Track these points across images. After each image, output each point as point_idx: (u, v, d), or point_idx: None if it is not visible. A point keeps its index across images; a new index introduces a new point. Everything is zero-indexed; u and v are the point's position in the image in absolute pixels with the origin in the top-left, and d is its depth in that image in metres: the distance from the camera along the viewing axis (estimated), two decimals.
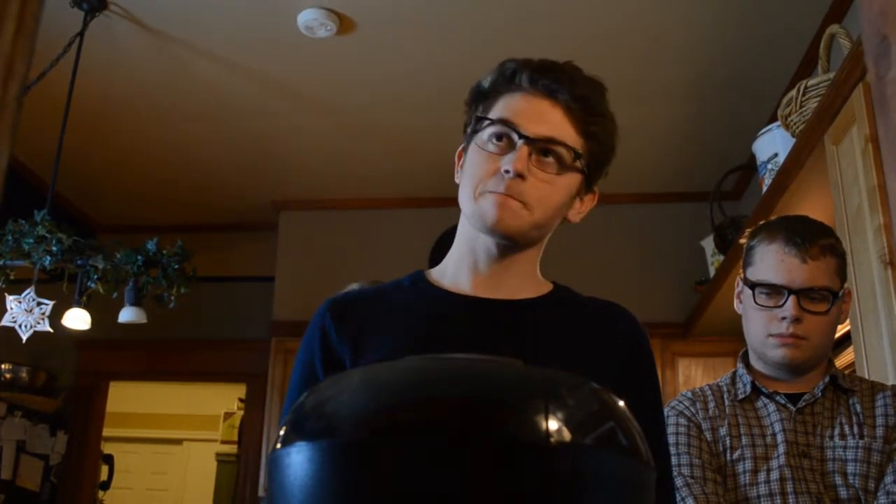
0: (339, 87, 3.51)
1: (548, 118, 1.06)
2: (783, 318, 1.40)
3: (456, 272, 1.14)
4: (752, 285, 1.45)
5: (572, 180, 1.09)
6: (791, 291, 1.39)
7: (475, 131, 1.10)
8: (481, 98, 1.13)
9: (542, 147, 1.06)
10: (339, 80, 3.46)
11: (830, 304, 1.40)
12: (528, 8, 2.96)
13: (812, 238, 1.41)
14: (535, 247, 1.13)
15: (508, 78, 1.09)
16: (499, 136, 1.07)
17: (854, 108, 2.03)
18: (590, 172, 1.11)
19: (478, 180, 1.07)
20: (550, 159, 1.06)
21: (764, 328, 1.43)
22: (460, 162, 1.15)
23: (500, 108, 1.09)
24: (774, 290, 1.41)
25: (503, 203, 1.04)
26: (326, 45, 3.17)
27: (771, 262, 1.42)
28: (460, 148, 1.16)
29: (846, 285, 1.46)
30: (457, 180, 1.15)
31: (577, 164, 1.08)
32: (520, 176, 1.03)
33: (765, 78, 3.31)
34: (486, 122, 1.09)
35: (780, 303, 1.40)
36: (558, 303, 1.15)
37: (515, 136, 1.05)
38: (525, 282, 1.14)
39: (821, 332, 1.41)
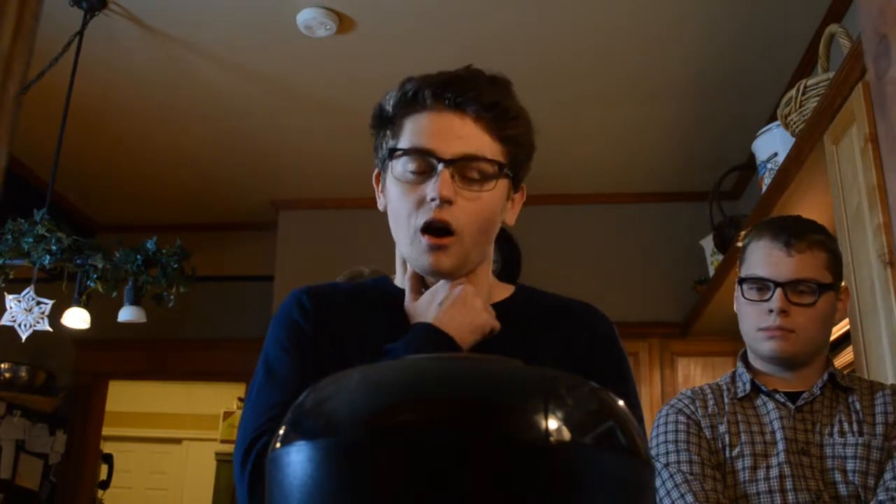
0: (339, 86, 3.51)
1: (461, 133, 1.03)
2: (771, 311, 1.41)
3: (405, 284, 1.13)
4: (742, 280, 1.47)
5: (500, 188, 1.07)
6: (777, 284, 1.41)
7: (391, 158, 1.06)
8: (387, 123, 1.08)
9: (462, 166, 1.03)
10: (339, 79, 3.46)
11: (817, 297, 1.40)
12: (528, 8, 2.96)
13: (799, 233, 1.43)
14: (480, 264, 1.11)
15: (411, 99, 1.05)
16: (416, 164, 1.03)
17: (853, 108, 2.03)
18: (514, 174, 1.09)
19: (407, 215, 1.04)
20: (474, 175, 1.03)
21: (754, 322, 1.45)
22: (380, 187, 1.13)
23: (410, 133, 1.05)
24: (762, 284, 1.44)
25: (435, 246, 1.02)
26: (326, 44, 3.17)
27: (759, 257, 1.45)
28: (376, 171, 1.13)
29: (843, 284, 1.46)
30: (380, 207, 1.12)
31: (502, 172, 1.05)
32: (447, 202, 1.01)
33: (764, 77, 3.31)
34: (400, 152, 1.04)
35: (767, 296, 1.42)
36: (516, 306, 1.13)
37: (434, 161, 1.02)
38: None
39: (809, 326, 1.41)
